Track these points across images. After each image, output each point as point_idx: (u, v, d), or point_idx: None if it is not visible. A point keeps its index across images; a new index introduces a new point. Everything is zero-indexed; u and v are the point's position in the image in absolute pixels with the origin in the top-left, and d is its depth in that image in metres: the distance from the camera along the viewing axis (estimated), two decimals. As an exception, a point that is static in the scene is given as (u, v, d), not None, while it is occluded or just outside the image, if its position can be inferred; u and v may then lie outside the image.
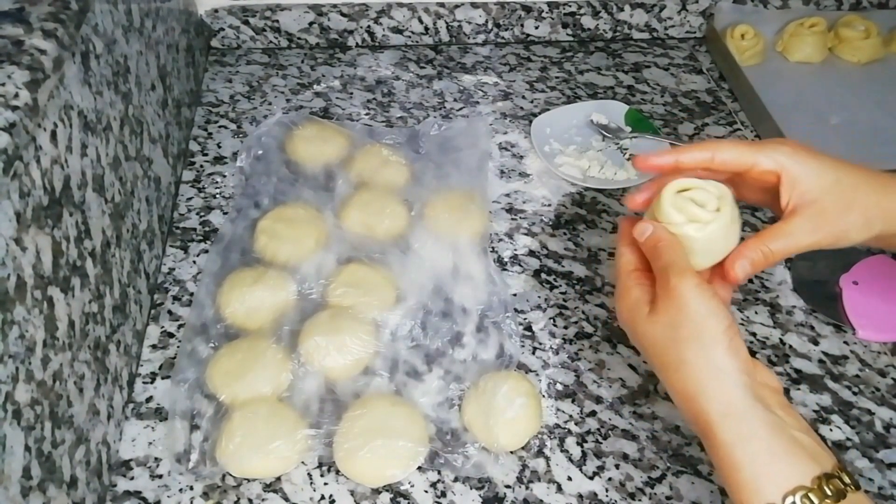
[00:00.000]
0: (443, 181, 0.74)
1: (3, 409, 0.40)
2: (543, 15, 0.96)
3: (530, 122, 0.84)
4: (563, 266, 0.71)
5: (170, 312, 0.65)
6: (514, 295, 0.68)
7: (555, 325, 0.66)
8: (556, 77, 0.94)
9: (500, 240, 0.73)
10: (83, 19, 0.52)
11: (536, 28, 0.98)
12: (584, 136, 0.85)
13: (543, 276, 0.70)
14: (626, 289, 0.48)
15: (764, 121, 0.85)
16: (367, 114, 0.87)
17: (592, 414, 0.60)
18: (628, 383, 0.62)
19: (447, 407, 0.58)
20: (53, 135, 0.48)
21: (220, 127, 0.84)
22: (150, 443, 0.56)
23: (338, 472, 0.55)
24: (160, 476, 0.55)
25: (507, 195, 0.78)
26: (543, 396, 0.61)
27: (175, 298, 0.66)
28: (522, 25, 0.98)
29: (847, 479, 0.40)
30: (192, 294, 0.66)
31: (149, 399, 0.59)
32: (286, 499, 0.54)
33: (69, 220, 0.49)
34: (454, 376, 0.60)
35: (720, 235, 0.48)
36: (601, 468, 0.57)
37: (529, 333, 0.65)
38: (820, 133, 0.83)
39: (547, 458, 0.57)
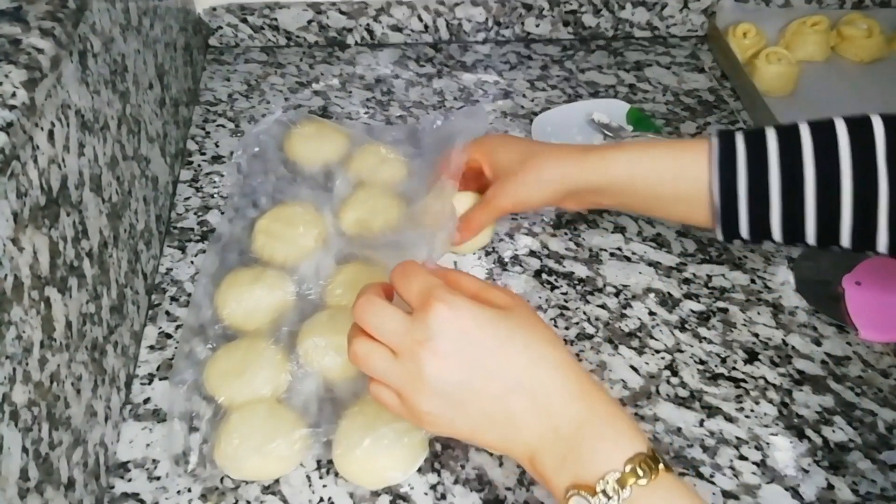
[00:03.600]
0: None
1: (1, 410, 0.39)
2: (544, 13, 0.96)
3: (531, 120, 0.84)
4: (563, 266, 0.71)
5: (167, 313, 0.65)
6: (515, 295, 0.68)
7: (556, 326, 0.66)
8: (557, 75, 0.94)
9: (501, 240, 0.73)
10: (81, 18, 0.52)
11: (537, 26, 0.98)
12: (585, 134, 0.85)
13: (544, 276, 0.70)
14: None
15: (766, 120, 0.85)
16: (366, 112, 0.86)
17: (593, 415, 0.60)
18: (630, 385, 0.62)
19: (447, 408, 0.58)
20: (51, 134, 0.47)
21: (218, 126, 0.84)
22: (148, 444, 0.56)
23: (337, 474, 0.55)
24: (158, 478, 0.54)
25: (508, 194, 0.77)
26: (544, 397, 0.60)
27: (173, 299, 0.66)
28: (523, 23, 0.97)
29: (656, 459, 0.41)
30: (189, 294, 0.66)
31: (146, 400, 0.59)
32: (285, 501, 0.54)
33: (66, 220, 0.49)
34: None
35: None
36: (602, 470, 0.56)
37: (530, 334, 0.65)
38: (822, 132, 0.83)
39: (548, 460, 0.57)
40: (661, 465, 0.41)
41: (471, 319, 0.43)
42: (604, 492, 0.40)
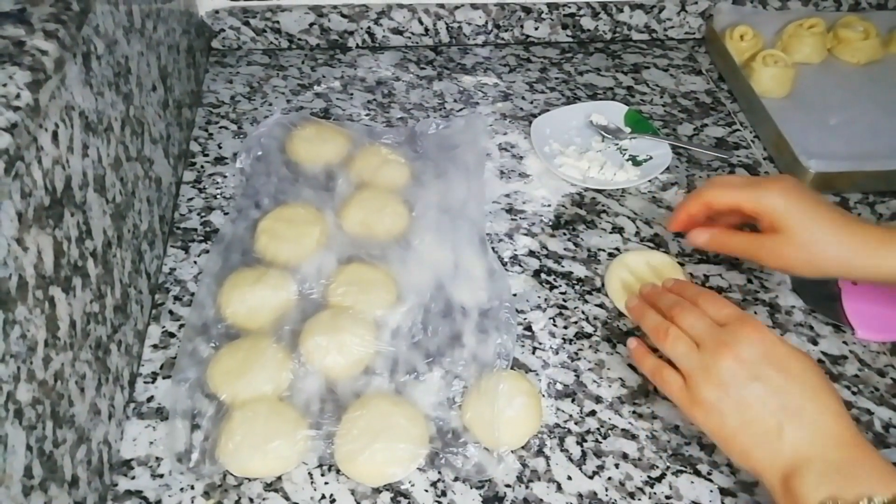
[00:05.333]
0: (442, 179, 0.75)
1: (5, 408, 0.40)
2: (543, 16, 0.97)
3: (530, 122, 0.85)
4: (562, 266, 0.71)
5: (171, 312, 0.66)
6: (515, 295, 0.68)
7: (555, 325, 0.66)
8: (556, 78, 0.94)
9: (500, 240, 0.73)
10: (84, 20, 0.52)
11: (536, 29, 0.98)
12: (583, 136, 0.85)
13: (543, 276, 0.70)
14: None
15: (763, 122, 0.86)
16: (367, 115, 0.87)
17: (592, 413, 0.60)
18: (628, 383, 0.62)
19: (447, 406, 0.59)
20: (55, 135, 0.48)
21: (220, 128, 0.84)
22: (151, 442, 0.57)
23: (338, 471, 0.55)
24: (161, 475, 0.55)
25: (507, 195, 0.78)
26: (543, 396, 0.61)
27: (176, 298, 0.67)
28: (522, 26, 0.98)
29: None
30: (192, 294, 0.66)
31: (150, 399, 0.59)
32: (287, 498, 0.54)
33: (70, 220, 0.49)
34: (454, 376, 0.60)
35: None
36: (601, 467, 0.57)
37: (529, 333, 0.65)
38: (819, 134, 0.83)
39: (547, 458, 0.57)
40: None
41: (773, 345, 0.50)
42: None
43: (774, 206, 0.58)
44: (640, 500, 0.55)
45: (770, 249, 0.59)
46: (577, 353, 0.64)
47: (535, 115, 0.86)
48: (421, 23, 0.96)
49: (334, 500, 0.54)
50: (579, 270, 0.71)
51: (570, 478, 0.56)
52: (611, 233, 0.74)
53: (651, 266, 0.69)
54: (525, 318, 0.66)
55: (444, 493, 0.55)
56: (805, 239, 0.57)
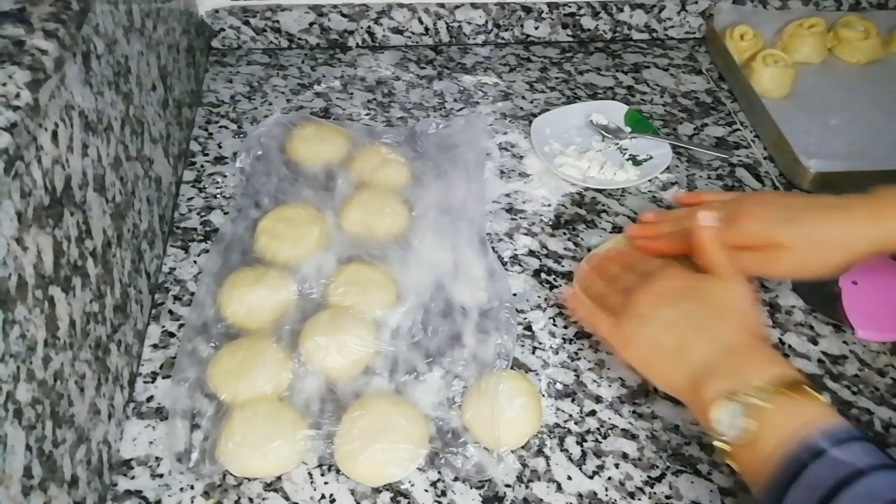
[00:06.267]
0: (442, 179, 0.75)
1: (5, 408, 0.40)
2: (543, 15, 0.97)
3: (530, 122, 0.85)
4: (562, 266, 0.71)
5: (170, 312, 0.66)
6: (515, 295, 0.68)
7: (554, 325, 0.66)
8: (556, 77, 0.94)
9: (500, 240, 0.73)
10: (84, 19, 0.52)
11: (536, 29, 0.98)
12: (583, 136, 0.85)
13: (543, 275, 0.70)
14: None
15: (763, 122, 0.86)
16: (367, 114, 0.87)
17: (592, 413, 0.60)
18: (628, 383, 0.62)
19: (447, 406, 0.59)
20: (54, 135, 0.48)
21: (220, 127, 0.84)
22: (151, 442, 0.57)
23: (338, 471, 0.55)
24: (161, 475, 0.55)
25: (507, 195, 0.78)
26: (543, 396, 0.61)
27: (176, 298, 0.67)
28: (522, 26, 0.98)
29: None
30: (192, 294, 0.66)
31: (149, 398, 0.59)
32: (287, 498, 0.54)
33: (70, 219, 0.49)
34: (454, 376, 0.60)
35: None
36: (601, 467, 0.57)
37: (529, 333, 0.65)
38: (819, 134, 0.83)
39: (547, 458, 0.57)
40: (808, 389, 0.47)
41: (688, 277, 0.56)
42: (747, 395, 0.46)
43: (754, 235, 0.59)
44: (640, 500, 0.55)
45: (778, 265, 0.59)
46: (577, 353, 0.64)
47: (535, 115, 0.86)
48: (421, 22, 0.96)
49: (334, 500, 0.54)
50: (579, 270, 0.71)
51: (570, 478, 0.56)
52: (611, 232, 0.74)
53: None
54: (525, 318, 0.66)
55: (444, 493, 0.55)
56: (802, 248, 0.58)
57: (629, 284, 0.57)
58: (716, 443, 0.47)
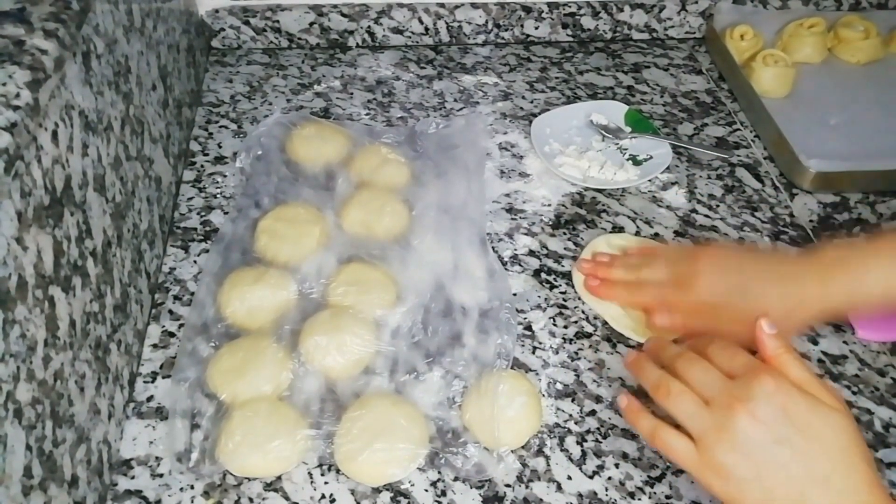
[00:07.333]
0: (442, 179, 0.75)
1: (5, 408, 0.40)
2: (543, 15, 0.97)
3: (530, 122, 0.85)
4: (562, 266, 0.71)
5: (170, 312, 0.66)
6: (515, 295, 0.68)
7: (555, 325, 0.66)
8: (556, 77, 0.94)
9: (500, 240, 0.73)
10: (84, 19, 0.52)
11: (536, 28, 0.98)
12: (583, 136, 0.85)
13: (543, 275, 0.70)
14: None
15: (763, 121, 0.86)
16: (367, 114, 0.87)
17: (592, 413, 0.60)
18: (628, 383, 0.62)
19: (447, 406, 0.59)
20: (54, 134, 0.48)
21: (220, 127, 0.84)
22: (151, 442, 0.57)
23: (338, 471, 0.55)
24: (161, 475, 0.55)
25: (507, 195, 0.78)
26: (543, 396, 0.61)
27: (176, 298, 0.67)
28: (522, 26, 0.98)
29: None
30: (192, 294, 0.66)
31: (150, 398, 0.59)
32: (287, 498, 0.54)
33: (70, 219, 0.49)
34: (454, 376, 0.60)
35: None
36: (601, 467, 0.57)
37: (529, 333, 0.65)
38: (819, 133, 0.83)
39: (547, 458, 0.57)
40: None
41: (793, 398, 0.45)
42: None
43: (704, 300, 0.57)
44: (640, 500, 0.55)
45: (728, 334, 0.53)
46: (577, 353, 0.64)
47: (535, 115, 0.86)
48: (421, 22, 0.96)
49: (334, 500, 0.54)
50: (579, 270, 0.71)
51: (570, 477, 0.56)
52: (611, 232, 0.74)
53: (616, 247, 0.70)
54: (525, 318, 0.66)
55: (444, 493, 0.55)
56: (753, 318, 0.51)
57: (709, 391, 0.47)
58: None
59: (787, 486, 0.43)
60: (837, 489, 0.43)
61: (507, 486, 0.55)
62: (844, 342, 0.66)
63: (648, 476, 0.56)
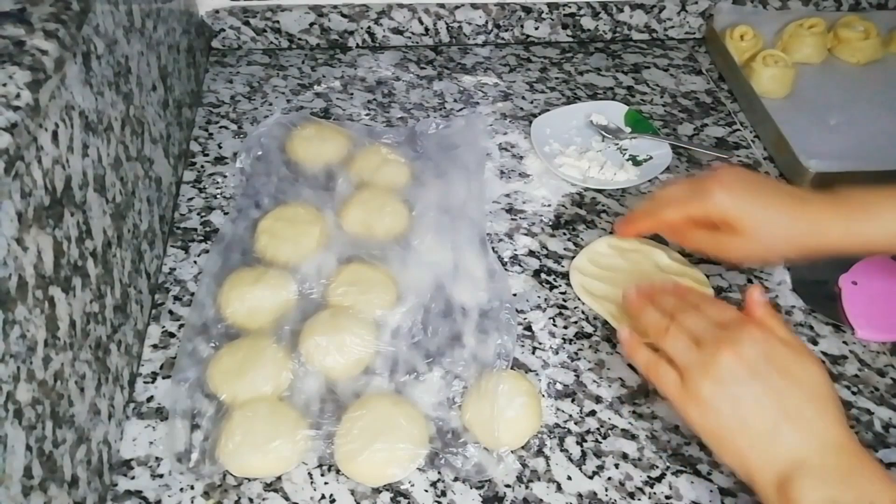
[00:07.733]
0: (442, 179, 0.75)
1: (5, 408, 0.40)
2: (543, 16, 0.97)
3: (530, 122, 0.85)
4: (562, 266, 0.71)
5: (171, 312, 0.66)
6: (515, 295, 0.68)
7: (554, 325, 0.66)
8: (556, 78, 0.94)
9: (500, 240, 0.73)
10: (84, 20, 0.52)
11: (536, 29, 0.98)
12: (583, 136, 0.85)
13: (543, 276, 0.70)
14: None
15: (763, 122, 0.86)
16: (367, 114, 0.87)
17: (592, 413, 0.60)
18: (628, 383, 0.62)
19: (447, 406, 0.59)
20: (55, 135, 0.48)
21: (220, 127, 0.84)
22: (151, 442, 0.57)
23: (338, 471, 0.55)
24: (161, 475, 0.55)
25: (507, 195, 0.78)
26: (543, 396, 0.61)
27: (176, 298, 0.67)
28: (522, 26, 0.98)
29: None
30: (192, 294, 0.66)
31: (150, 398, 0.59)
32: (287, 498, 0.54)
33: (70, 220, 0.50)
34: (454, 376, 0.60)
35: None
36: (601, 467, 0.57)
37: (529, 333, 0.65)
38: (819, 134, 0.83)
39: (547, 458, 0.57)
40: None
41: (776, 345, 0.49)
42: None
43: (722, 208, 0.58)
44: (640, 500, 0.55)
45: (728, 247, 0.59)
46: (577, 353, 0.64)
47: (535, 115, 0.86)
48: (421, 22, 0.96)
49: (334, 500, 0.54)
50: (579, 270, 0.71)
51: (570, 478, 0.56)
52: (611, 233, 0.74)
53: (616, 248, 0.71)
54: (525, 318, 0.66)
55: (443, 493, 0.55)
56: (759, 234, 0.57)
57: (701, 333, 0.50)
58: None
59: (760, 417, 0.46)
60: (808, 425, 0.46)
61: (507, 486, 0.55)
62: (844, 342, 0.66)
63: (648, 476, 0.56)
